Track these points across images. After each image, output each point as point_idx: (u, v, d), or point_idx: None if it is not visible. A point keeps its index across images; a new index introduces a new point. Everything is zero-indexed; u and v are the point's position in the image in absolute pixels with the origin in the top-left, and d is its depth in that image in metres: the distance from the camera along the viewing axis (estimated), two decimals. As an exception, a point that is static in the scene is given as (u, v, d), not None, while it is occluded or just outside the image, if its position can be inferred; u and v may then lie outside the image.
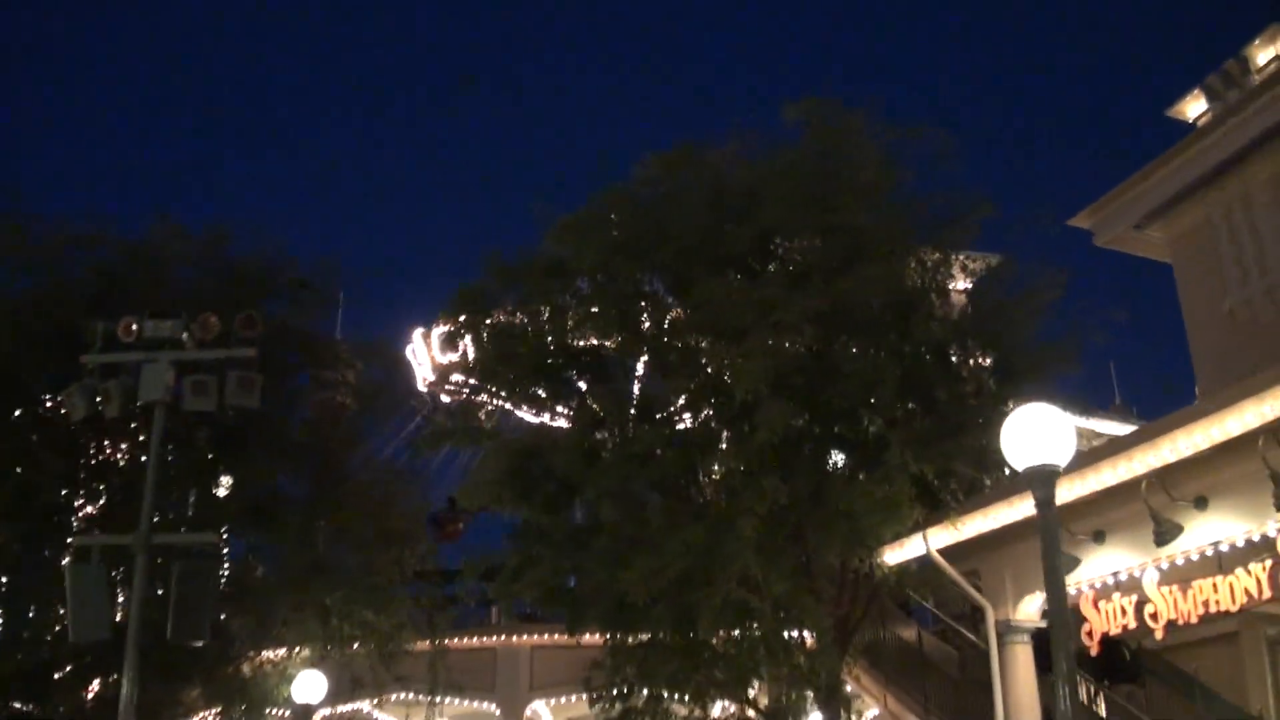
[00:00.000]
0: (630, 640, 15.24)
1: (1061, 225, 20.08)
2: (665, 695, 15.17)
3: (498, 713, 23.36)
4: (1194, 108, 19.50)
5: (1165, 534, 11.97)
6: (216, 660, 18.28)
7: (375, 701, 23.74)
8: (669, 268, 15.17)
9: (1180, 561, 12.42)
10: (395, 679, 20.75)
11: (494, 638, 23.52)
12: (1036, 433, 8.11)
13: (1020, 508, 13.09)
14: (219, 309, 14.61)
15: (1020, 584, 14.15)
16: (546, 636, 22.65)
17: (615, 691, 15.46)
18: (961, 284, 18.67)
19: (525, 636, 23.28)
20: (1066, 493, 12.57)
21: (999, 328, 15.60)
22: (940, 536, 14.17)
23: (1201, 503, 12.00)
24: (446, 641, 22.42)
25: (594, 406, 14.93)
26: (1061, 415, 8.20)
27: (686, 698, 15.20)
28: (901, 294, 14.52)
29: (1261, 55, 18.07)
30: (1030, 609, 14.20)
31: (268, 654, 19.96)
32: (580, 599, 15.31)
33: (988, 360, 15.75)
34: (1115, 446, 12.05)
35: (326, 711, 24.29)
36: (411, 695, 23.00)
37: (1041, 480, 8.10)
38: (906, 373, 14.32)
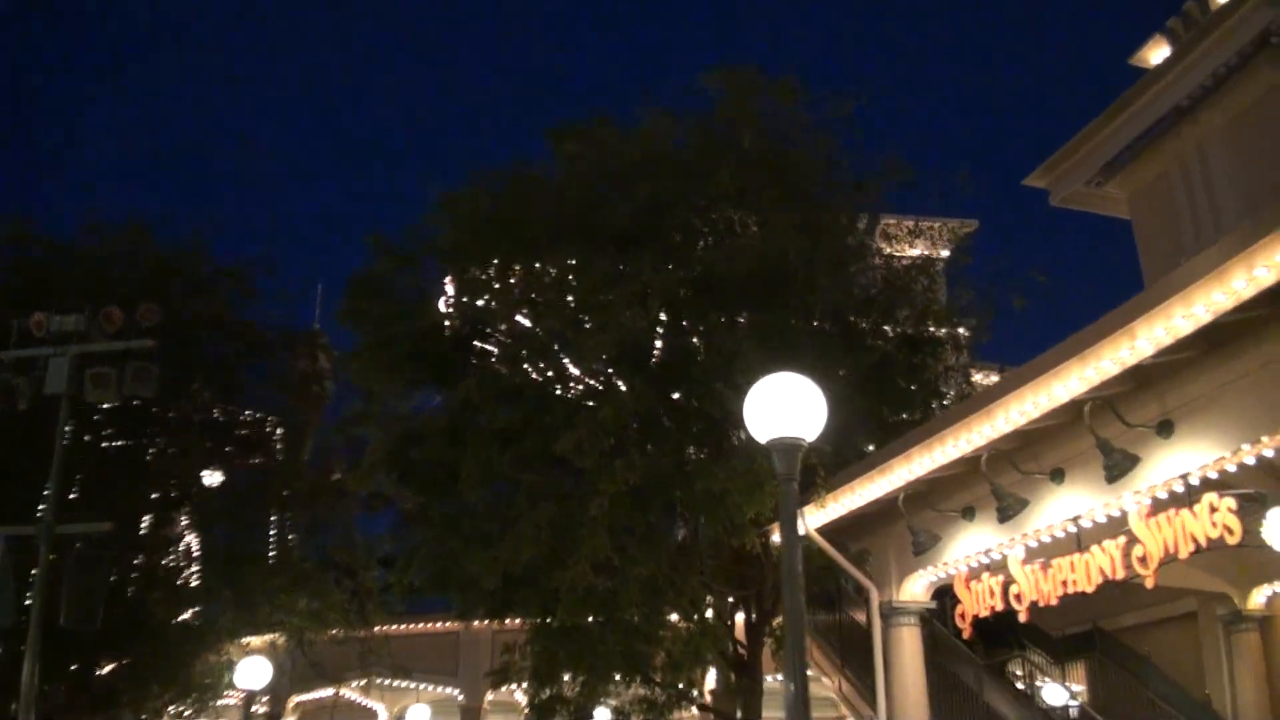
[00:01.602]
0: (548, 623, 14.75)
1: (1019, 185, 19.17)
2: (573, 678, 14.70)
3: (460, 698, 23.07)
4: (1157, 54, 18.08)
5: (1008, 509, 11.01)
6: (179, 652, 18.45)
7: (360, 685, 23.75)
8: (541, 244, 14.54)
9: (1046, 539, 11.43)
10: (357, 665, 20.70)
11: (457, 623, 23.18)
12: (782, 404, 7.33)
13: (886, 482, 12.19)
14: (140, 301, 14.74)
15: (904, 563, 13.20)
16: (509, 622, 22.20)
17: (532, 677, 15.06)
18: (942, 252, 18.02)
19: (487, 622, 22.88)
20: (919, 468, 11.72)
21: (904, 296, 14.75)
22: (835, 512, 13.33)
23: (1058, 475, 10.99)
24: (408, 627, 22.25)
25: (466, 387, 14.36)
26: (809, 386, 7.38)
27: (593, 680, 14.67)
28: (782, 263, 13.67)
29: (1222, -2, 16.58)
30: (915, 589, 13.26)
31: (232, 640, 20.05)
32: (465, 584, 14.83)
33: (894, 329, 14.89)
34: (949, 418, 11.05)
35: (304, 697, 24.42)
36: (387, 681, 22.93)
37: (784, 453, 7.32)
38: (786, 344, 13.47)
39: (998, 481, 11.04)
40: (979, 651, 17.61)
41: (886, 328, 15.18)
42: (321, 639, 19.55)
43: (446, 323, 15.36)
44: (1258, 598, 14.60)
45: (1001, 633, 17.90)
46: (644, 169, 14.62)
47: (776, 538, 13.82)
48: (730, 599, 15.81)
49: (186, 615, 19.83)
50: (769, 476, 12.77)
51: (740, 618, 16.30)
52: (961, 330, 16.24)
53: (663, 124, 15.61)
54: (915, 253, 18.90)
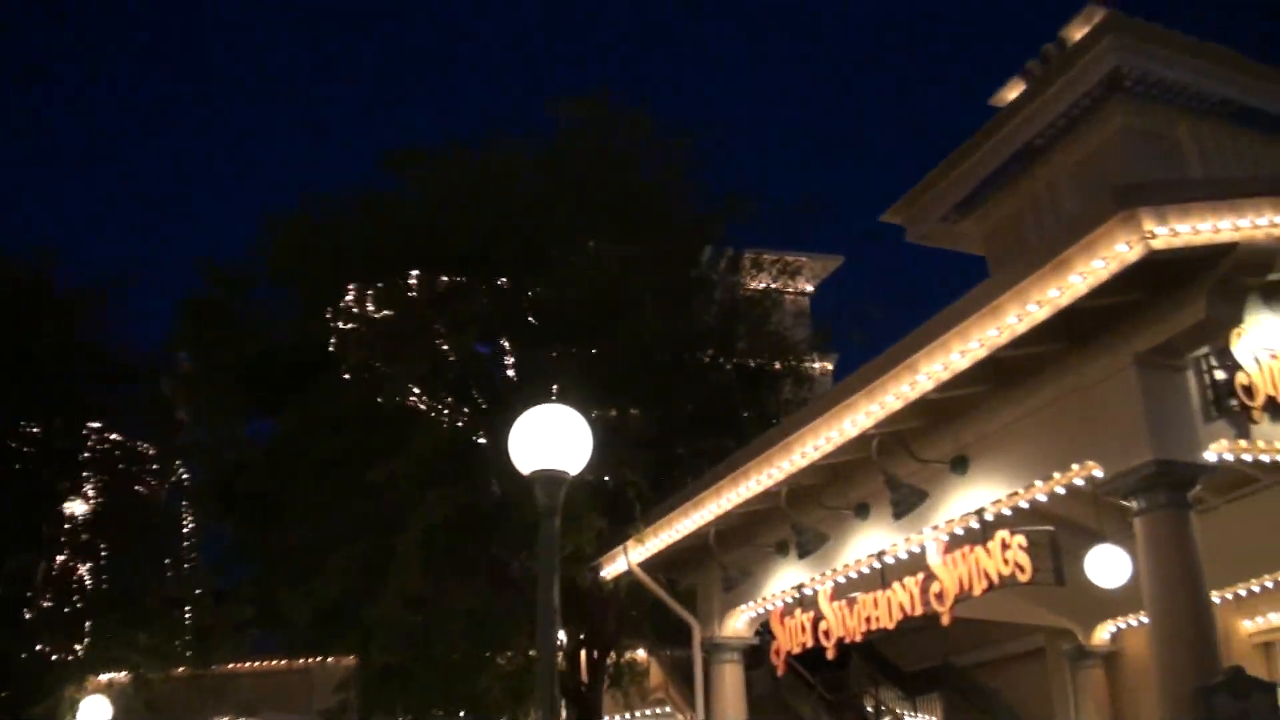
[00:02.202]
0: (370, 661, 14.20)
1: (876, 222, 19.09)
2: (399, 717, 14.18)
3: (317, 734, 22.32)
4: (1015, 95, 18.13)
5: (807, 545, 10.77)
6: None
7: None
8: (376, 268, 14.14)
9: (854, 575, 11.16)
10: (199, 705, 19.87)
11: (313, 660, 22.41)
12: (545, 436, 6.98)
13: (699, 516, 11.85)
14: None
15: (726, 599, 12.88)
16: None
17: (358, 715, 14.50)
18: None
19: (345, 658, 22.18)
20: (726, 502, 11.41)
21: (743, 328, 14.57)
22: (655, 547, 12.94)
23: (863, 510, 10.75)
24: (260, 664, 21.48)
25: (290, 416, 13.87)
26: (575, 419, 7.03)
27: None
28: (612, 295, 13.41)
29: (1078, 36, 16.57)
30: (738, 624, 12.93)
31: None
32: (289, 619, 14.26)
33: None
34: (752, 451, 10.73)
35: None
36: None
37: (546, 485, 6.93)
38: (617, 375, 13.18)
39: (799, 518, 10.79)
40: (827, 687, 17.33)
41: (723, 360, 14.93)
42: (162, 678, 18.72)
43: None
44: (1102, 634, 14.45)
45: (851, 668, 17.66)
46: (484, 196, 14.31)
47: (607, 572, 13.42)
48: (567, 637, 15.38)
49: (42, 648, 18.94)
50: (586, 510, 12.43)
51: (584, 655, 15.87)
52: (821, 364, 16.10)
53: (509, 150, 15.34)
54: (785, 288, 18.85)
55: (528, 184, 14.47)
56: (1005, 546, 9.15)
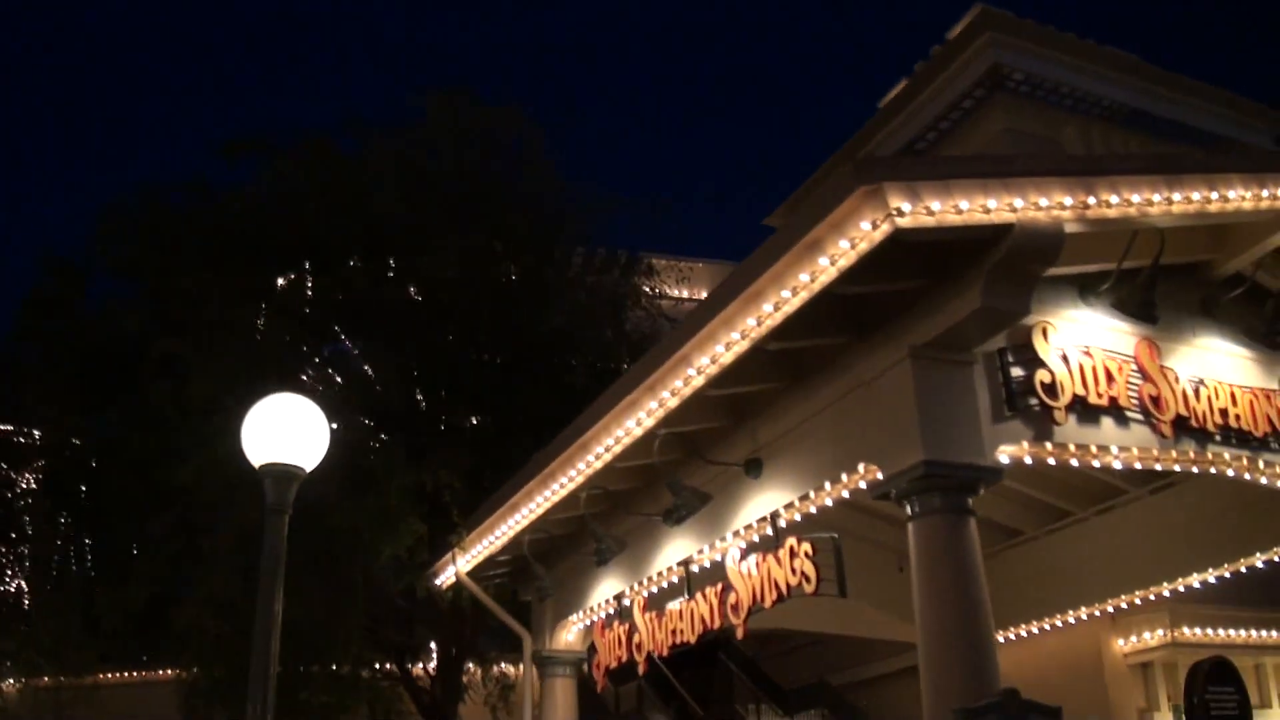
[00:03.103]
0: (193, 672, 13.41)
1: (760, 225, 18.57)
2: None
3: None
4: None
5: (605, 552, 10.05)
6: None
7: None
8: (210, 260, 13.43)
9: (665, 585, 10.45)
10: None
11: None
12: (278, 428, 6.26)
13: (515, 521, 11.12)
14: None
15: (559, 609, 12.17)
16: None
17: None
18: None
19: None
20: (538, 506, 10.69)
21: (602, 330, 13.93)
22: (482, 554, 12.20)
23: (670, 516, 10.00)
24: (127, 675, 20.54)
25: (111, 415, 13.16)
26: (312, 410, 6.31)
27: None
28: (441, 294, 12.76)
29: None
30: (569, 637, 12.21)
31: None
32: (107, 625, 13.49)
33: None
34: (555, 448, 9.99)
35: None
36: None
37: (276, 481, 6.20)
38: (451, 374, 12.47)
39: (601, 525, 10.12)
40: (700, 704, 16.57)
41: (576, 362, 14.26)
42: (17, 687, 17.83)
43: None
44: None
45: (723, 683, 16.93)
46: (327, 189, 13.66)
47: (441, 580, 12.68)
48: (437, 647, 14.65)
49: None
50: (405, 514, 11.71)
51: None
52: None
53: (368, 143, 14.73)
54: (677, 294, 18.27)
55: (375, 177, 13.77)
56: (794, 555, 8.43)
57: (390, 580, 12.62)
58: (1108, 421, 8.01)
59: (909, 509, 7.38)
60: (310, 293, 13.25)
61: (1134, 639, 12.76)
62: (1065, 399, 7.75)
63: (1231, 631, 12.78)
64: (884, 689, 15.67)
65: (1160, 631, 12.49)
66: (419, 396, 13.34)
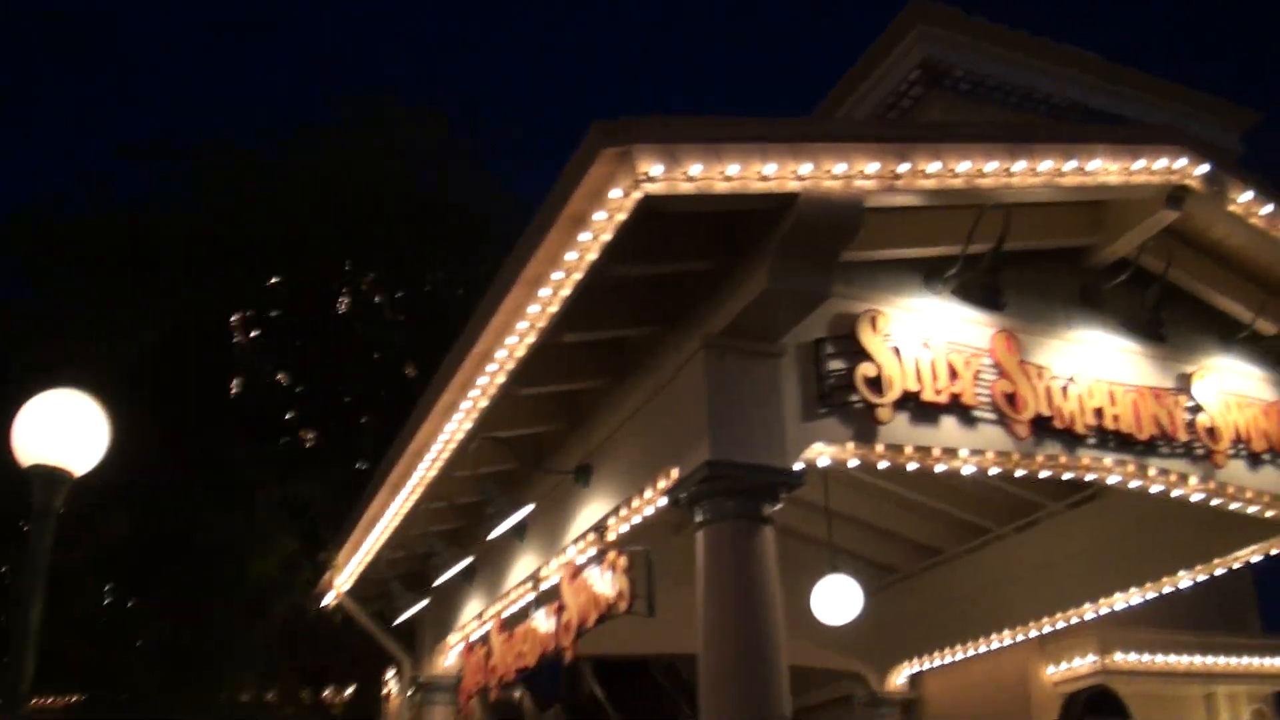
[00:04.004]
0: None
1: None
2: None
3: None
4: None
5: (439, 567, 9.30)
6: None
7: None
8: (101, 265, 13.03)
9: (520, 604, 9.68)
10: None
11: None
12: (49, 426, 5.69)
13: (374, 535, 10.43)
14: None
15: (437, 630, 11.44)
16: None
17: None
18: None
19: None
20: (391, 520, 9.99)
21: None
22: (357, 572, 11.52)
23: (521, 530, 9.28)
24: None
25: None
26: (89, 409, 5.74)
27: None
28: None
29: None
30: (449, 660, 11.43)
31: None
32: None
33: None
34: (392, 456, 9.28)
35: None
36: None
37: (44, 484, 5.61)
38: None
39: (438, 541, 9.37)
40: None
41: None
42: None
43: None
44: (898, 678, 12.76)
45: (659, 708, 16.02)
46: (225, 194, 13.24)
47: (327, 600, 12.01)
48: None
49: None
50: (277, 531, 11.08)
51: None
52: None
53: (289, 149, 14.30)
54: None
55: (280, 184, 13.29)
56: (613, 568, 7.64)
57: (272, 601, 11.97)
58: (949, 421, 7.15)
59: (697, 516, 6.57)
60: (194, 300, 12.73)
61: (1063, 666, 11.77)
62: (893, 395, 6.91)
63: (1172, 658, 11.71)
64: (826, 716, 14.71)
65: (1090, 658, 11.48)
66: (290, 414, 12.79)
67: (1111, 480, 7.90)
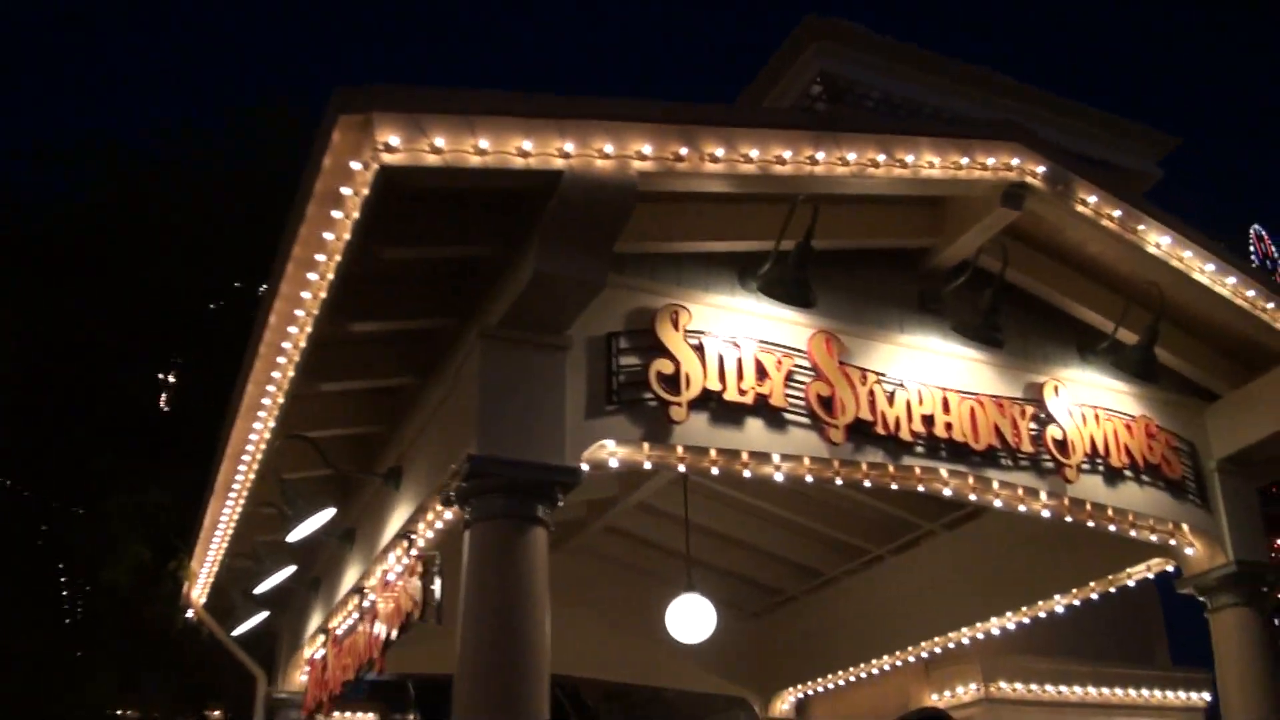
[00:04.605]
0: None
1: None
2: None
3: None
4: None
5: (261, 574, 8.88)
6: None
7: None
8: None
9: (355, 616, 9.23)
10: None
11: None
12: None
13: (215, 542, 10.00)
14: None
15: (293, 643, 11.00)
16: None
17: None
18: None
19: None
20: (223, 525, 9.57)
21: None
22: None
23: (349, 535, 8.88)
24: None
25: None
26: None
27: None
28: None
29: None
30: (304, 676, 10.97)
31: None
32: None
33: None
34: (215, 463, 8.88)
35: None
36: None
37: None
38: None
39: (259, 547, 8.94)
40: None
41: None
42: None
43: None
44: (783, 704, 12.28)
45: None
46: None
47: (191, 613, 11.56)
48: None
49: None
50: (125, 532, 10.66)
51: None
52: None
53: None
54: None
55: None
56: (413, 576, 7.24)
57: (135, 612, 11.53)
58: (755, 424, 6.73)
59: (465, 514, 6.15)
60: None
61: (947, 694, 11.27)
62: (691, 394, 6.49)
63: (1064, 688, 11.21)
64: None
65: (973, 686, 10.99)
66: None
67: (947, 493, 7.46)
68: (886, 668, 11.06)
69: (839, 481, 7.17)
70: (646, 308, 6.62)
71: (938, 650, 10.55)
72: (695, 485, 10.19)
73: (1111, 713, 11.67)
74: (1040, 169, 7.13)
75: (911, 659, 10.89)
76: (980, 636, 10.30)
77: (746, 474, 6.86)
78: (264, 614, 10.12)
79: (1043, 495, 7.69)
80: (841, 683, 11.50)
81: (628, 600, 11.39)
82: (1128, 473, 8.00)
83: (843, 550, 11.06)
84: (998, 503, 7.63)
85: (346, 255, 5.93)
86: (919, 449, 7.17)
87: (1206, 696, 12.39)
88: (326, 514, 7.76)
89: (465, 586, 6.04)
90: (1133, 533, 8.18)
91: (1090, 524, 7.98)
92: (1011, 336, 7.89)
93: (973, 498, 7.54)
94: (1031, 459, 7.59)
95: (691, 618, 9.33)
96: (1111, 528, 8.08)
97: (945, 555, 10.33)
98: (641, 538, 11.11)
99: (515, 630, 5.86)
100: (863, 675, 11.24)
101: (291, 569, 9.06)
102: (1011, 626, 9.99)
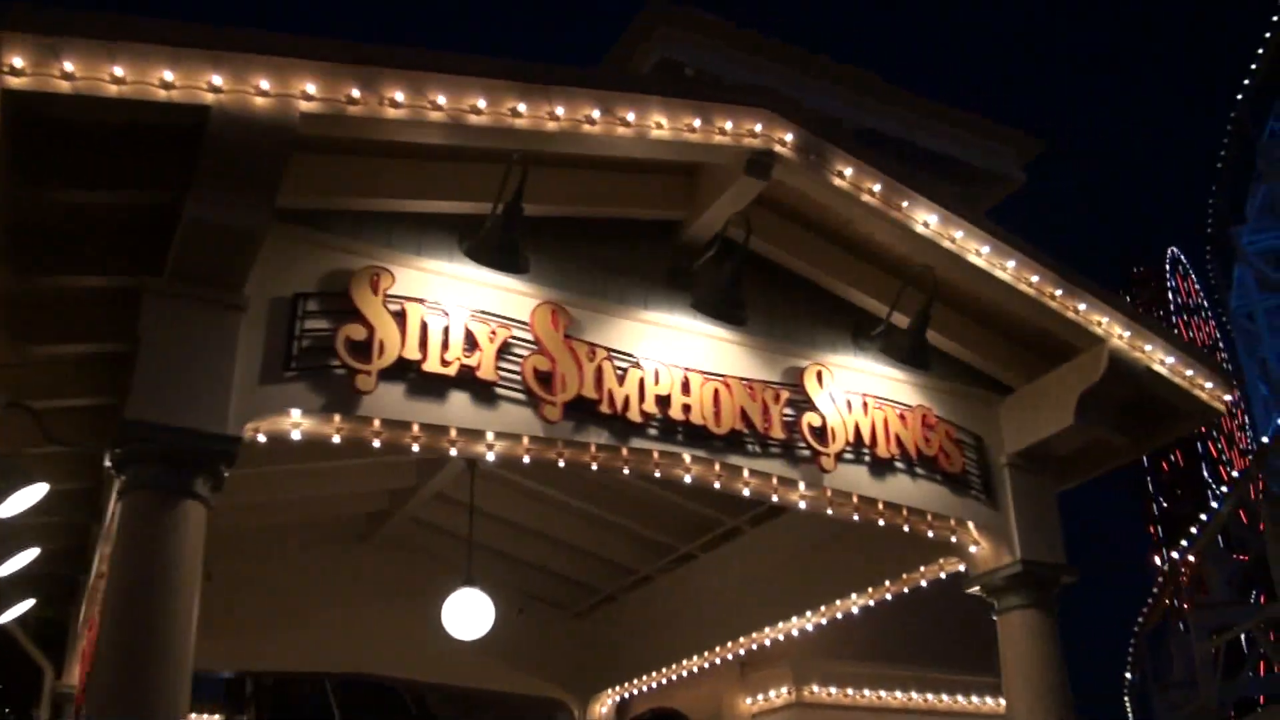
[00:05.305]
0: None
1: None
2: None
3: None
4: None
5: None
6: None
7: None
8: None
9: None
10: None
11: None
12: None
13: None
14: None
15: (76, 633, 10.46)
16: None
17: None
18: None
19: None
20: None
21: None
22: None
23: (98, 515, 8.37)
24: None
25: None
26: None
27: None
28: None
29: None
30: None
31: None
32: None
33: None
34: None
35: None
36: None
37: None
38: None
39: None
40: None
41: None
42: None
43: None
44: (602, 707, 11.85)
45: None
46: None
47: None
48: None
49: None
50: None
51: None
52: None
53: None
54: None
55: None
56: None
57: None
58: (460, 397, 6.28)
59: (116, 485, 5.69)
60: None
61: (760, 697, 10.86)
62: (383, 363, 6.05)
63: (881, 693, 10.82)
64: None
65: (784, 689, 10.58)
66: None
67: (688, 480, 7.04)
68: (705, 667, 10.65)
69: (561, 464, 6.73)
70: (345, 269, 6.19)
71: (753, 648, 10.15)
72: (505, 480, 9.80)
73: (941, 719, 11.28)
74: (789, 136, 6.73)
75: (728, 658, 10.49)
76: (793, 635, 9.90)
77: (454, 452, 6.43)
78: (29, 602, 9.56)
79: (801, 486, 7.28)
80: (659, 684, 11.07)
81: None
82: (898, 464, 7.60)
83: (657, 548, 10.67)
84: (746, 491, 7.22)
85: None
86: (651, 431, 6.75)
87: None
88: (36, 490, 7.22)
89: (112, 563, 5.58)
90: (905, 528, 7.77)
91: (855, 517, 7.58)
92: (777, 319, 7.52)
93: (717, 485, 7.11)
94: (784, 446, 7.18)
95: (469, 613, 8.89)
96: (880, 522, 7.67)
97: (753, 553, 9.95)
98: (450, 531, 10.65)
99: (155, 615, 5.38)
100: (679, 676, 10.82)
101: (34, 551, 8.51)
102: (810, 628, 9.63)
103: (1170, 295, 57.30)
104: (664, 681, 11.00)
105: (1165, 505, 58.43)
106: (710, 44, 12.69)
